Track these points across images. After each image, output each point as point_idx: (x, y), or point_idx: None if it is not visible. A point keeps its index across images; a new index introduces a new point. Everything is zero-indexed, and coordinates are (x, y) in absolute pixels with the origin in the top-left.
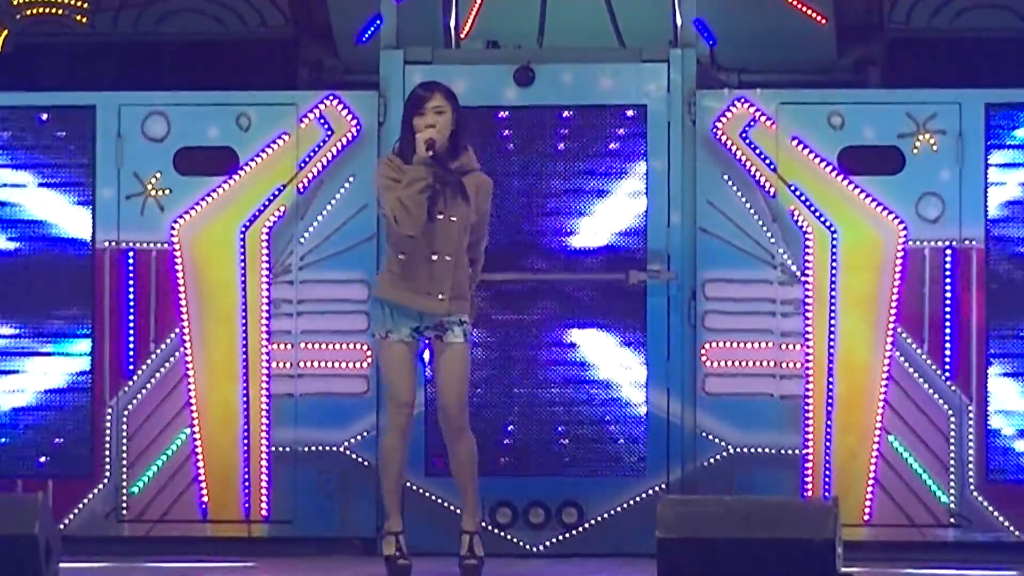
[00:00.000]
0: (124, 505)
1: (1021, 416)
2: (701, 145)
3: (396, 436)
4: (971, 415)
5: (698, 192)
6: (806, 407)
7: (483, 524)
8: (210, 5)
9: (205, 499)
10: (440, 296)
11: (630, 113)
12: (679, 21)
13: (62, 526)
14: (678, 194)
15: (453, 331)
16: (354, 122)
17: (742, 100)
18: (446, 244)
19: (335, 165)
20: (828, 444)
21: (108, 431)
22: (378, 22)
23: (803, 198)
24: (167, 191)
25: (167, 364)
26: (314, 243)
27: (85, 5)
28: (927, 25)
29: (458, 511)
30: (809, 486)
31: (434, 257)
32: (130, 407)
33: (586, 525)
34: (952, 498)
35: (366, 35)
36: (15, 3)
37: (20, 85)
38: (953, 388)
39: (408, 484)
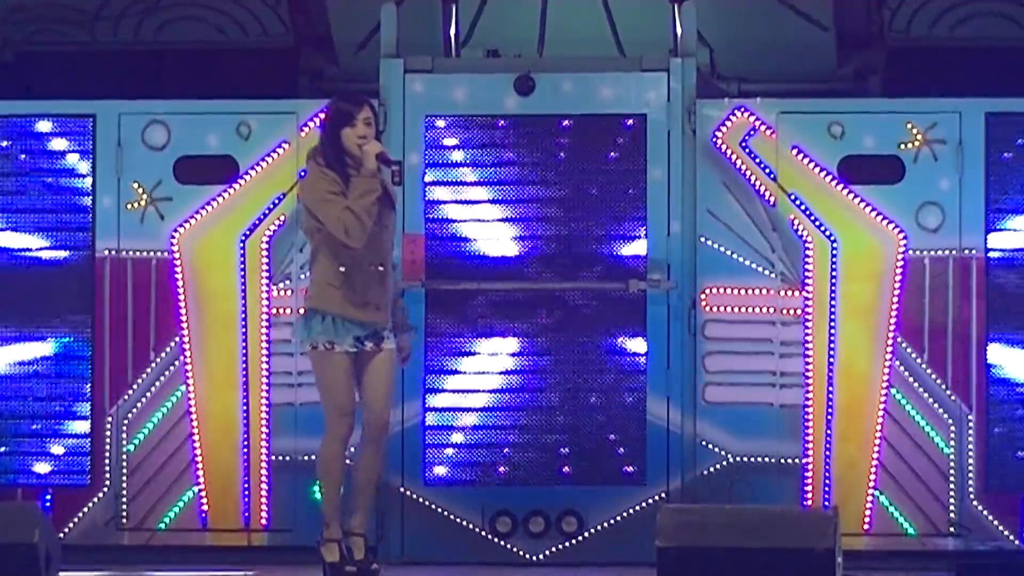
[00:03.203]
0: (124, 513)
1: (1021, 425)
2: (701, 154)
3: (338, 446)
4: (971, 424)
5: (698, 201)
6: (806, 416)
7: (482, 532)
8: (211, 14)
9: (205, 508)
10: (378, 306)
11: (630, 122)
12: (679, 30)
13: (62, 534)
14: (678, 203)
15: (388, 337)
16: None
17: (742, 109)
18: (383, 253)
19: None
20: (828, 453)
21: (108, 439)
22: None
23: (803, 207)
24: (167, 199)
25: (167, 372)
26: None
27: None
28: (927, 34)
29: (456, 519)
30: (809, 495)
31: (371, 267)
32: (130, 416)
33: (586, 534)
34: (952, 507)
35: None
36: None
37: (20, 93)
38: (953, 397)
39: (407, 493)
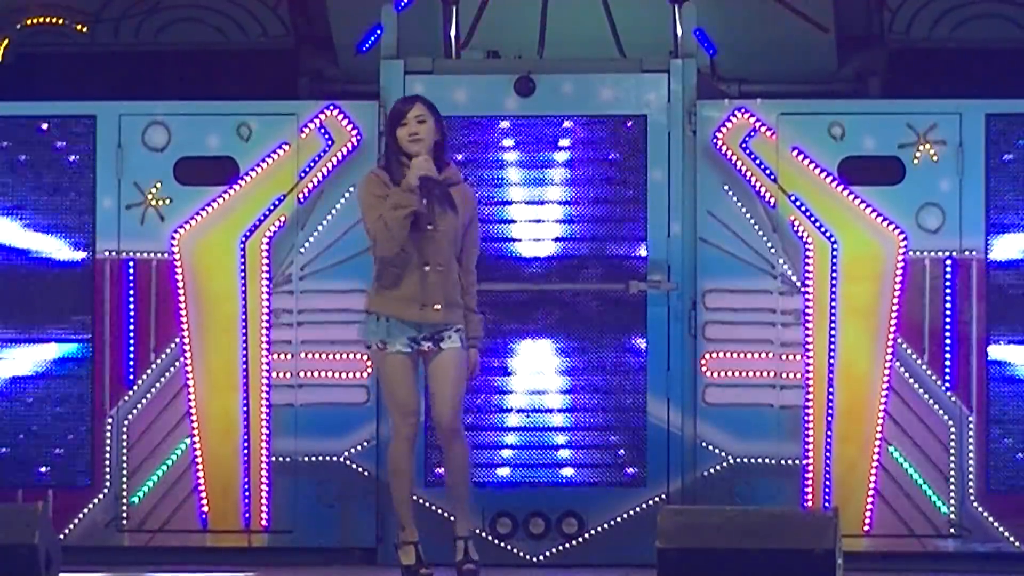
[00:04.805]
0: (124, 515)
1: (1021, 426)
2: (701, 155)
3: (405, 446)
4: (971, 425)
5: (698, 202)
6: (806, 417)
7: (482, 533)
8: (211, 15)
9: (205, 509)
10: (436, 307)
11: (630, 123)
12: (679, 31)
13: (62, 536)
14: (678, 204)
15: (451, 337)
16: (354, 132)
17: (742, 110)
18: (436, 254)
19: (336, 175)
20: (828, 454)
21: (108, 441)
22: (378, 32)
23: (803, 208)
24: (167, 201)
25: (167, 374)
26: (314, 253)
27: (84, 29)
28: (927, 35)
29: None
30: (809, 496)
31: (426, 268)
32: (130, 417)
33: (586, 535)
34: (952, 508)
35: (366, 45)
36: (19, 25)
37: (20, 95)
38: (953, 398)
39: None
